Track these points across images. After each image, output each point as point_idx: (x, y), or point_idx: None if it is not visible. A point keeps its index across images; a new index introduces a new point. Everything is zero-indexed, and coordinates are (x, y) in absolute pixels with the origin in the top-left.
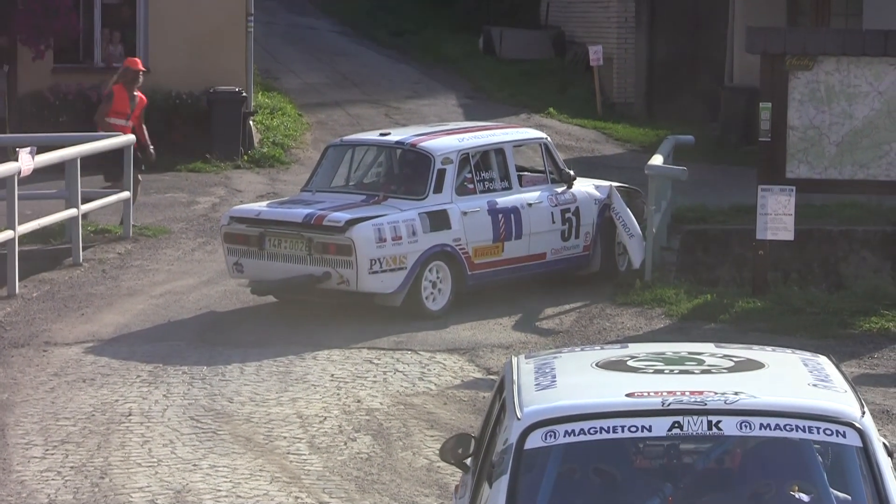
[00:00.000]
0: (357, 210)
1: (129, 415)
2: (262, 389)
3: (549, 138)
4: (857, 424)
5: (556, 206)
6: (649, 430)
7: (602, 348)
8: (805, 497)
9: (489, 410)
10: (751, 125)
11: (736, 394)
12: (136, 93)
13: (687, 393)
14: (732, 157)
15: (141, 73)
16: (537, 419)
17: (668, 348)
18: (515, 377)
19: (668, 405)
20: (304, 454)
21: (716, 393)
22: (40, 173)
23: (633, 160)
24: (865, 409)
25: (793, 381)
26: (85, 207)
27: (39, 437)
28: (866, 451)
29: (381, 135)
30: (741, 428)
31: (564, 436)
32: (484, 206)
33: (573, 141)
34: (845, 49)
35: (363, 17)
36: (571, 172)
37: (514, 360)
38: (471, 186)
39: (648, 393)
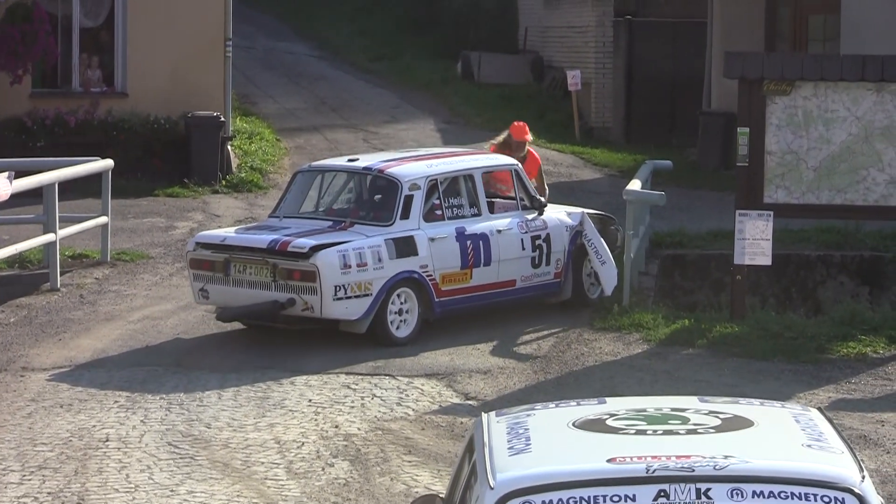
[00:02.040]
0: (322, 236)
1: (107, 440)
2: (239, 415)
3: (519, 165)
4: (857, 490)
5: (526, 232)
6: (633, 499)
7: (578, 404)
8: None
9: (457, 471)
10: (729, 150)
11: (726, 458)
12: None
13: (673, 458)
14: (710, 182)
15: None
16: (512, 488)
17: (650, 404)
18: (486, 439)
19: (654, 472)
20: (282, 479)
21: (704, 457)
22: (18, 198)
23: (611, 185)
24: (865, 472)
25: (786, 442)
26: (63, 232)
27: (16, 463)
28: None
29: (350, 160)
30: (732, 496)
31: None
32: (452, 232)
33: (551, 166)
34: (823, 74)
35: (342, 42)
36: (543, 199)
37: (485, 418)
38: (439, 213)
39: (631, 458)
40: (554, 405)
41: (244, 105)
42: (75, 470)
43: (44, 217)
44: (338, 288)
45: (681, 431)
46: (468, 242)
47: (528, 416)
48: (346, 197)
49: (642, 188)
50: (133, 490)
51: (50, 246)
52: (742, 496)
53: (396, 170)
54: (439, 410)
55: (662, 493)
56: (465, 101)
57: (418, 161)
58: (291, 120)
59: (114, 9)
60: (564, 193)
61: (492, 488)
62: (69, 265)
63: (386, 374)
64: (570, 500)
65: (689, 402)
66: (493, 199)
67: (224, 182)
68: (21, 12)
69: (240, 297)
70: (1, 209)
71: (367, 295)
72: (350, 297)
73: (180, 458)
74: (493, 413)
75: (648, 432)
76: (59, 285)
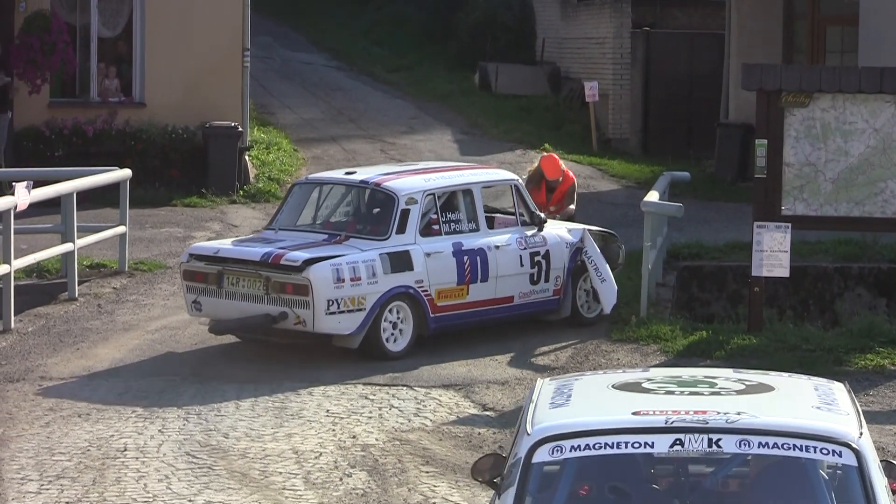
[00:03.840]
0: (316, 249)
1: (125, 450)
2: (257, 425)
3: (519, 180)
4: (854, 445)
5: (524, 248)
6: (651, 446)
7: (624, 371)
8: None
9: (517, 431)
10: (746, 162)
11: (738, 414)
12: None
13: (691, 412)
14: (728, 194)
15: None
16: (545, 435)
17: (686, 372)
18: (535, 397)
19: (671, 423)
20: (300, 490)
21: (718, 413)
22: (36, 208)
23: (629, 196)
24: (864, 430)
25: (797, 404)
26: (81, 242)
27: (35, 472)
28: (861, 470)
29: (347, 173)
30: (740, 446)
31: (571, 451)
32: (449, 247)
33: None
34: (841, 86)
35: (359, 52)
36: (542, 215)
37: (540, 382)
38: (436, 227)
39: (654, 412)
40: (602, 372)
41: (262, 115)
42: (93, 479)
43: (62, 227)
44: (331, 302)
45: (705, 393)
46: (465, 258)
47: (576, 380)
48: (343, 210)
49: (660, 200)
50: (151, 500)
51: (68, 255)
52: (749, 446)
53: (393, 183)
54: (457, 421)
55: (678, 442)
56: (483, 112)
57: (416, 175)
58: (309, 130)
59: (132, 19)
60: (582, 205)
61: (529, 435)
62: (87, 275)
63: (403, 385)
64: (595, 446)
65: (723, 372)
66: (492, 215)
67: (241, 192)
68: (40, 22)
69: (232, 310)
70: (19, 219)
71: (361, 310)
72: (343, 312)
73: (198, 468)
74: (548, 378)
75: (676, 393)
76: (76, 295)
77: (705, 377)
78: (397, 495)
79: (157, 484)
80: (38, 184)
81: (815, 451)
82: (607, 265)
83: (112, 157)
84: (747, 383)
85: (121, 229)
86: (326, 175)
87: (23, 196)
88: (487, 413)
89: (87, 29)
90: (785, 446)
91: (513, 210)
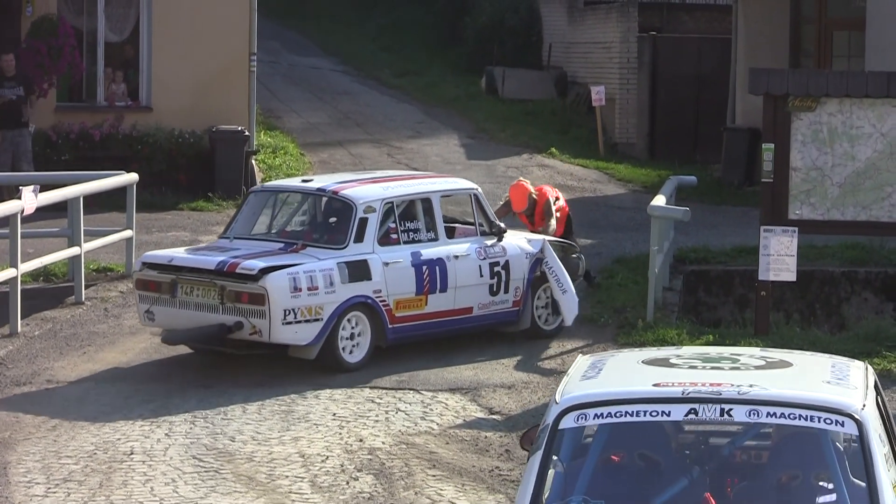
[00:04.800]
0: (273, 258)
1: (132, 453)
2: (264, 428)
3: (479, 189)
4: (856, 416)
5: (484, 258)
6: (668, 414)
7: (658, 349)
8: (818, 492)
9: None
10: (753, 166)
11: (750, 386)
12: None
13: (707, 384)
14: (735, 198)
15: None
16: (571, 404)
17: (715, 350)
18: (571, 371)
19: (687, 394)
20: (307, 493)
21: (732, 385)
22: (43, 212)
23: (636, 200)
24: (868, 403)
25: (810, 379)
26: (87, 246)
27: (41, 476)
28: (862, 439)
29: (304, 181)
30: (750, 415)
31: (594, 418)
32: (407, 257)
33: (575, 181)
34: (848, 90)
35: (366, 57)
36: (502, 225)
37: (580, 357)
38: (394, 236)
39: (672, 384)
40: (638, 350)
41: (268, 119)
42: (100, 483)
43: (69, 231)
44: (287, 312)
45: (725, 368)
46: (424, 268)
47: (612, 356)
48: (300, 219)
49: (667, 204)
50: (158, 503)
51: (75, 259)
52: (758, 415)
53: (351, 192)
54: (463, 425)
55: (692, 411)
56: (490, 117)
57: (374, 183)
58: (315, 134)
59: (139, 23)
60: (589, 209)
61: (557, 404)
62: (94, 279)
63: (410, 389)
64: (616, 414)
65: (750, 350)
66: (452, 224)
67: None
68: (47, 27)
69: (186, 320)
70: (26, 223)
71: (318, 319)
72: (300, 322)
73: (205, 471)
74: (588, 355)
75: (698, 367)
76: (83, 299)
77: (731, 354)
78: (404, 499)
79: (164, 487)
80: (44, 188)
81: (819, 421)
82: (568, 276)
83: (119, 162)
84: (768, 360)
85: (127, 233)
86: (283, 183)
87: (30, 200)
88: (494, 417)
89: (94, 33)
90: (791, 416)
91: (472, 220)
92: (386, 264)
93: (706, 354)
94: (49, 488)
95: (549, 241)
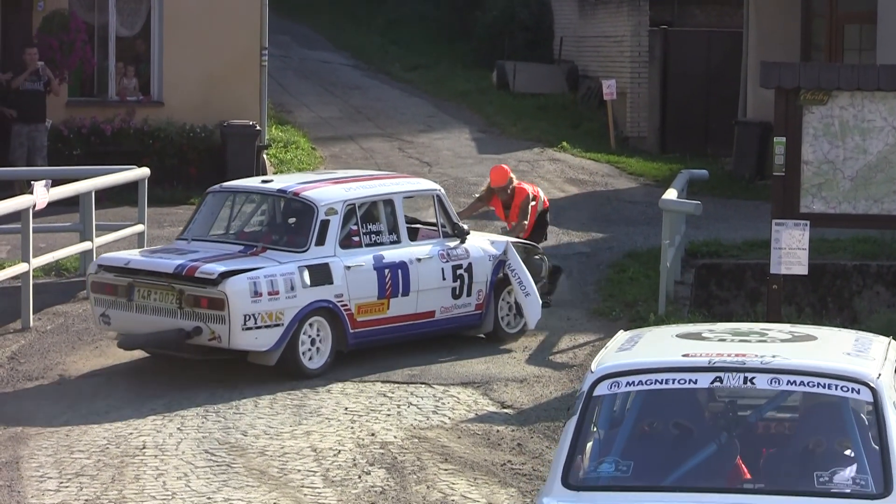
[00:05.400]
0: (232, 262)
1: (144, 448)
2: (276, 422)
3: (442, 190)
4: (871, 384)
5: (447, 261)
6: (695, 382)
7: (693, 325)
8: (837, 455)
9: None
10: (764, 160)
11: (773, 357)
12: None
13: (732, 355)
14: (746, 192)
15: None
16: (605, 373)
17: (746, 326)
18: (609, 344)
19: (713, 363)
20: (319, 487)
21: (756, 356)
22: (55, 206)
23: (647, 194)
24: (883, 373)
25: (831, 351)
26: (99, 241)
27: (54, 470)
28: (876, 406)
29: (264, 182)
30: (771, 383)
31: (626, 386)
32: (369, 260)
33: (586, 175)
34: (859, 84)
35: (376, 51)
36: (465, 227)
37: (620, 332)
38: (356, 239)
39: (700, 354)
40: (675, 326)
41: (279, 114)
42: (112, 477)
43: (80, 225)
44: (247, 317)
45: (752, 341)
46: (386, 271)
47: (649, 331)
48: (260, 220)
49: (678, 198)
50: (170, 497)
51: (86, 254)
52: (779, 383)
53: (312, 193)
54: (475, 419)
55: (718, 379)
56: (501, 111)
57: (336, 184)
58: (327, 129)
59: (150, 18)
60: (600, 203)
61: (592, 372)
62: None
63: (422, 383)
64: (647, 381)
65: (779, 326)
66: (414, 225)
67: None
68: (58, 21)
69: (143, 324)
70: (38, 217)
71: (279, 325)
72: (260, 327)
73: (217, 465)
74: (627, 330)
75: (727, 340)
76: None
77: (761, 329)
78: (416, 493)
79: (176, 482)
80: (56, 183)
81: (836, 389)
82: (531, 278)
83: (130, 156)
84: (795, 334)
85: (139, 228)
86: (242, 183)
87: (41, 195)
88: (506, 411)
89: (106, 28)
90: (809, 384)
91: (435, 221)
92: (348, 268)
93: (737, 329)
94: (61, 482)
95: (512, 242)
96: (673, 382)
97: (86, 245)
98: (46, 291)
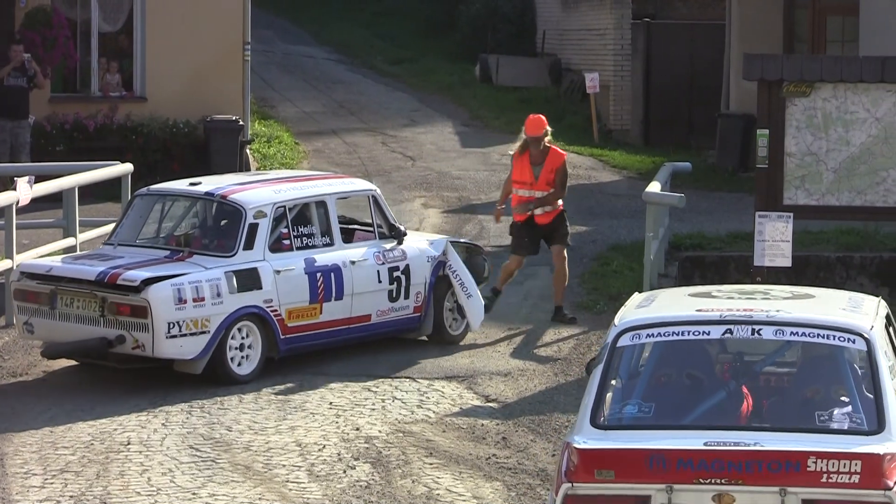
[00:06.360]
0: (157, 268)
1: (128, 444)
2: (260, 418)
3: (377, 190)
4: (865, 334)
5: (383, 263)
6: (708, 334)
7: (702, 287)
8: (833, 398)
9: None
10: (747, 152)
11: (777, 311)
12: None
13: (741, 310)
14: (729, 184)
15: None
16: (627, 325)
17: (751, 286)
18: (628, 303)
19: (724, 317)
20: (304, 482)
21: (762, 310)
22: (38, 202)
23: (631, 187)
24: (878, 324)
25: (829, 306)
26: (83, 237)
27: (38, 467)
28: (869, 354)
29: (192, 184)
30: (776, 334)
31: (646, 337)
32: (301, 264)
33: (570, 168)
34: (842, 76)
35: (360, 45)
36: (402, 228)
37: (635, 294)
38: (287, 242)
39: (712, 309)
40: (686, 287)
41: (262, 109)
42: (97, 473)
43: (63, 221)
44: (171, 325)
45: (757, 298)
46: (318, 275)
47: (662, 291)
48: (188, 224)
49: (662, 190)
50: (155, 493)
51: (70, 250)
52: (783, 334)
53: (240, 196)
54: (460, 413)
55: (728, 331)
56: (484, 104)
57: (265, 186)
58: (310, 123)
59: (132, 13)
60: (584, 196)
61: (615, 326)
62: None
63: (406, 377)
64: (665, 333)
65: (780, 287)
66: (350, 226)
67: None
68: (41, 17)
69: (66, 332)
70: (21, 214)
71: (205, 332)
72: (185, 335)
73: (202, 461)
74: (642, 292)
75: (735, 298)
76: None
77: (763, 289)
78: (401, 487)
79: (161, 477)
80: (39, 179)
81: (834, 339)
82: (472, 279)
83: (113, 152)
84: (795, 293)
85: None
86: (169, 186)
87: (25, 191)
88: (490, 404)
89: (88, 24)
90: (810, 334)
91: (371, 222)
92: (277, 272)
93: (742, 289)
94: (46, 479)
95: (451, 242)
96: (688, 334)
97: (69, 241)
98: None
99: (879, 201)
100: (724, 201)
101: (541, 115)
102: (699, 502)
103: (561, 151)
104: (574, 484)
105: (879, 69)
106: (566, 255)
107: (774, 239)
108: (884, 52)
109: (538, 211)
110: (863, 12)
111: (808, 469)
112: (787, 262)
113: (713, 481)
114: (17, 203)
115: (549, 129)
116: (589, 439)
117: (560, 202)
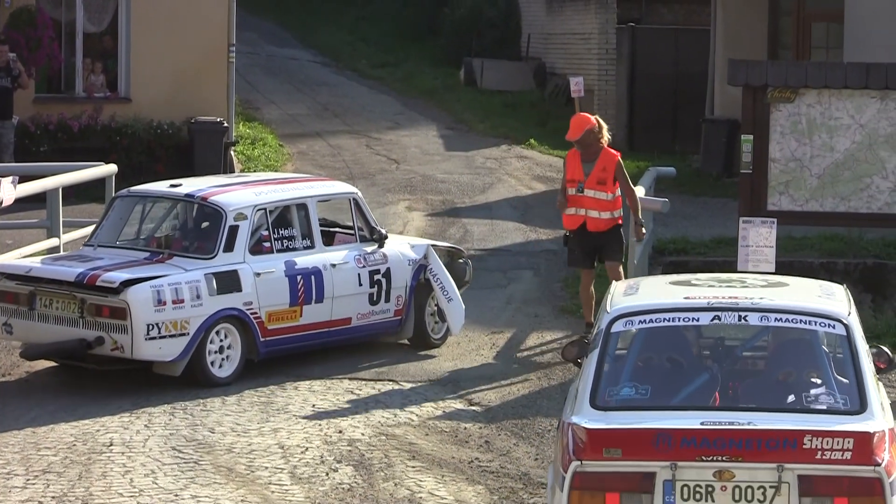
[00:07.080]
0: (136, 269)
1: (111, 445)
2: (243, 420)
3: (359, 192)
4: (844, 320)
5: (363, 266)
6: (697, 320)
7: (678, 276)
8: (816, 380)
9: (599, 315)
10: (731, 157)
11: (760, 298)
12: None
13: (727, 297)
14: (714, 189)
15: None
16: (620, 312)
17: (726, 275)
18: (612, 289)
19: (711, 304)
20: (286, 484)
21: (746, 297)
22: (21, 203)
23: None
24: (852, 310)
25: (806, 294)
26: (66, 237)
27: (20, 467)
28: (849, 338)
29: (172, 186)
30: (761, 320)
31: (639, 323)
32: (281, 266)
33: (554, 172)
34: (827, 82)
35: (345, 48)
36: (383, 231)
37: (613, 284)
38: (267, 245)
39: (699, 297)
40: (663, 276)
41: (247, 111)
42: (79, 474)
43: (47, 222)
44: (150, 326)
45: (737, 286)
46: (298, 278)
47: (643, 280)
48: (168, 226)
49: (646, 195)
50: (137, 494)
51: (54, 250)
52: (768, 320)
53: (221, 198)
54: (443, 416)
55: (716, 318)
56: (468, 108)
57: (246, 188)
58: (294, 126)
59: (117, 14)
60: None
61: (608, 313)
62: None
63: (390, 380)
64: (656, 319)
65: (752, 275)
66: (331, 229)
67: None
68: (25, 18)
69: (46, 334)
70: (4, 214)
71: (184, 334)
72: (164, 337)
73: (184, 462)
74: (620, 282)
75: (716, 286)
76: None
77: (738, 277)
78: (383, 490)
79: (144, 479)
80: (23, 179)
81: (815, 325)
82: (454, 283)
83: (97, 153)
84: (769, 281)
85: None
86: (150, 188)
87: (8, 191)
88: (474, 408)
89: (73, 24)
90: (794, 320)
91: (352, 225)
92: (258, 275)
93: (719, 277)
94: (28, 480)
95: (433, 246)
96: (679, 320)
97: (53, 241)
98: None
99: (863, 207)
100: (708, 206)
101: (584, 115)
102: (701, 478)
103: (614, 151)
104: (583, 461)
105: (864, 76)
106: (622, 271)
107: (758, 244)
108: (868, 58)
109: (593, 214)
110: (847, 19)
111: (804, 447)
112: (771, 268)
113: (715, 458)
114: (1, 203)
115: (591, 130)
116: (592, 419)
117: (619, 213)
